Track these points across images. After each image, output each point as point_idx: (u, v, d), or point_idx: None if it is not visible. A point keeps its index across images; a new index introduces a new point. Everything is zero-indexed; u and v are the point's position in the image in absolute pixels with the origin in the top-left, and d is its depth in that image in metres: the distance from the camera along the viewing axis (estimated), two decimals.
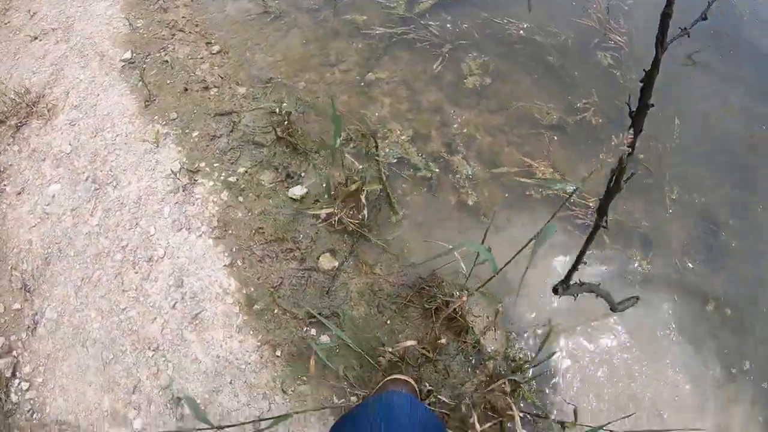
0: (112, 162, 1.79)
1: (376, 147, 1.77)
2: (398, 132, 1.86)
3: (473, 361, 1.54)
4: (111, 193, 1.75)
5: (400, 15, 2.12)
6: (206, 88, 1.88)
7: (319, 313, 1.53)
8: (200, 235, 1.64)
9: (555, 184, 1.73)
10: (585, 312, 1.62)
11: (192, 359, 1.53)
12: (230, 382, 1.50)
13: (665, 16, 0.67)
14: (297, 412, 1.10)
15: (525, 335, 1.59)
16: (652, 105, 0.78)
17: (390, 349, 1.49)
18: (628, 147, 0.83)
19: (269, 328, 1.54)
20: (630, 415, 1.29)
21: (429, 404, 1.45)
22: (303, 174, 1.73)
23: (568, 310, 1.60)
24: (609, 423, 1.16)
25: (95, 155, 1.82)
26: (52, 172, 1.83)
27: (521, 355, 1.56)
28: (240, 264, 1.61)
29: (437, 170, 1.78)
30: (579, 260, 1.10)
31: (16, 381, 1.64)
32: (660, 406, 1.51)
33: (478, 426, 1.38)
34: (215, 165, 1.74)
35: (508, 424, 1.45)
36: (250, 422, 1.23)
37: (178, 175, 1.71)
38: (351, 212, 1.65)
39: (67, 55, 2.05)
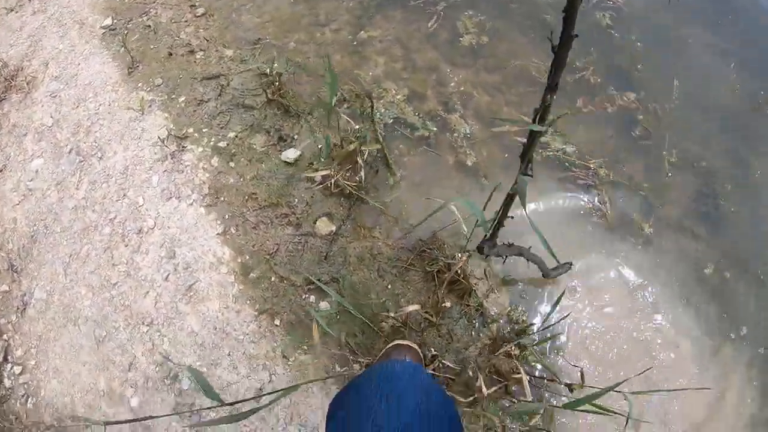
0: (96, 132, 1.70)
1: (372, 107, 1.67)
2: (393, 91, 1.76)
3: (476, 325, 1.47)
4: (96, 164, 1.66)
5: None
6: (192, 52, 1.78)
7: (318, 279, 1.45)
8: (191, 204, 1.56)
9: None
10: (586, 274, 1.55)
11: (188, 332, 1.46)
12: (228, 354, 1.43)
13: None
14: (302, 383, 1.02)
15: (527, 297, 1.52)
16: (576, 35, 0.69)
17: (392, 315, 1.41)
18: (553, 84, 0.73)
19: (266, 296, 1.47)
20: (642, 373, 1.22)
21: (434, 369, 1.39)
22: (296, 136, 1.64)
23: (570, 273, 1.53)
24: (622, 382, 1.09)
25: (78, 126, 1.73)
26: (34, 147, 1.75)
27: (524, 318, 1.49)
28: (233, 231, 1.52)
29: (435, 129, 1.69)
30: (503, 216, 1.00)
31: (9, 365, 1.58)
32: (661, 369, 1.46)
33: (485, 390, 1.31)
34: (204, 130, 1.65)
35: (513, 387, 1.40)
36: (254, 398, 1.15)
37: (165, 142, 1.62)
38: (347, 174, 1.57)
39: (44, 25, 1.96)
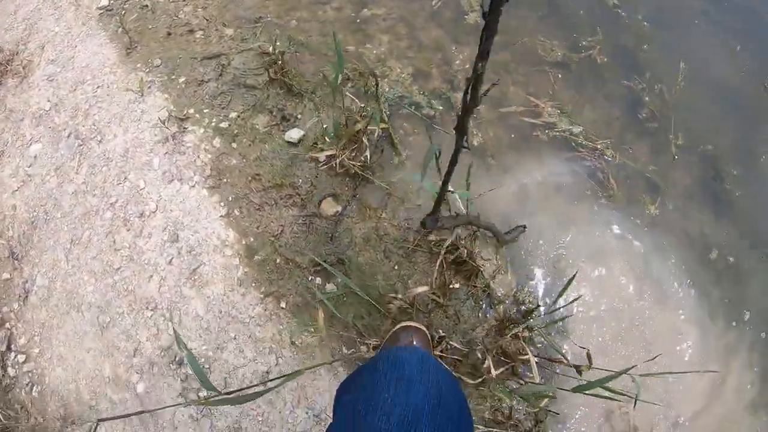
0: (94, 115, 1.66)
1: (377, 86, 1.63)
2: (398, 70, 1.71)
3: (483, 306, 1.44)
4: (96, 148, 1.63)
5: None
6: (191, 32, 1.74)
7: (324, 261, 1.41)
8: (193, 186, 1.52)
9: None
10: (593, 255, 1.52)
11: (193, 316, 1.43)
12: (234, 338, 1.40)
13: None
14: (307, 368, 1.00)
15: (534, 278, 1.49)
16: (507, 0, 0.64)
17: (400, 296, 1.38)
18: (484, 52, 0.68)
19: (272, 279, 1.43)
20: (653, 359, 1.19)
21: (441, 351, 1.36)
22: (299, 116, 1.59)
23: (576, 254, 1.49)
24: (633, 367, 1.06)
25: (76, 110, 1.69)
26: (32, 132, 1.71)
27: (531, 299, 1.46)
28: (237, 213, 1.49)
29: (440, 108, 1.65)
30: (444, 189, 0.96)
31: (12, 354, 1.55)
32: (665, 351, 1.43)
33: (493, 371, 1.28)
34: (205, 111, 1.61)
35: (520, 368, 1.37)
36: (257, 385, 1.12)
37: (166, 123, 1.58)
38: (352, 154, 1.52)
39: (39, 7, 1.91)
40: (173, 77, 1.68)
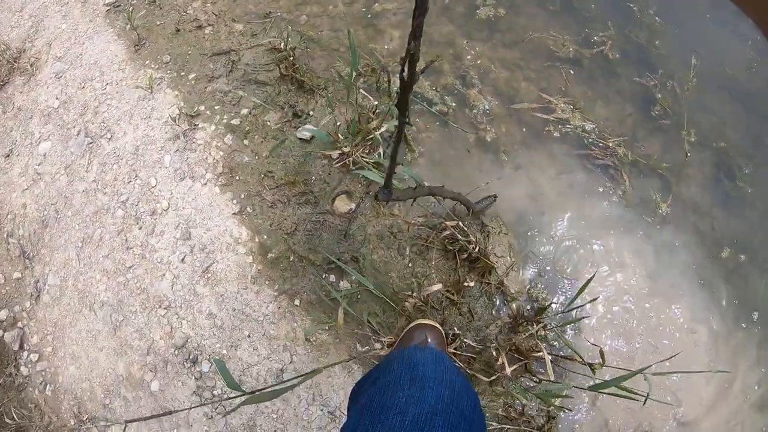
0: (104, 113, 1.65)
1: (389, 82, 1.62)
2: (436, 64, 1.70)
3: (497, 303, 1.44)
4: (106, 145, 1.62)
5: None
6: (200, 27, 1.72)
7: (338, 259, 1.41)
8: (205, 183, 1.51)
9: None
10: (605, 253, 1.51)
11: (206, 314, 1.42)
12: (248, 336, 1.40)
13: None
14: (323, 367, 1.00)
15: (547, 275, 1.49)
16: None
17: (415, 294, 1.38)
18: (416, 29, 0.67)
19: (285, 276, 1.43)
20: (669, 358, 1.19)
21: (455, 348, 1.36)
22: (311, 113, 1.58)
23: (588, 251, 1.49)
24: (648, 366, 1.06)
25: (85, 107, 1.68)
26: (41, 130, 1.70)
27: (544, 295, 1.46)
28: (250, 211, 1.48)
29: (453, 105, 1.64)
30: (393, 163, 0.97)
31: (25, 353, 1.55)
32: (676, 349, 1.43)
33: (508, 369, 1.29)
34: (216, 108, 1.60)
35: (533, 365, 1.37)
36: (277, 385, 1.12)
37: (176, 121, 1.57)
38: (366, 151, 1.52)
39: (46, 4, 1.89)
40: (183, 74, 1.66)
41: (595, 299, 1.34)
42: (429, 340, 1.28)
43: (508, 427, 1.34)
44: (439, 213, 1.51)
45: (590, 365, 1.32)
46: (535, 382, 1.37)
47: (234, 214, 1.48)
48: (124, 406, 1.42)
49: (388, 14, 1.79)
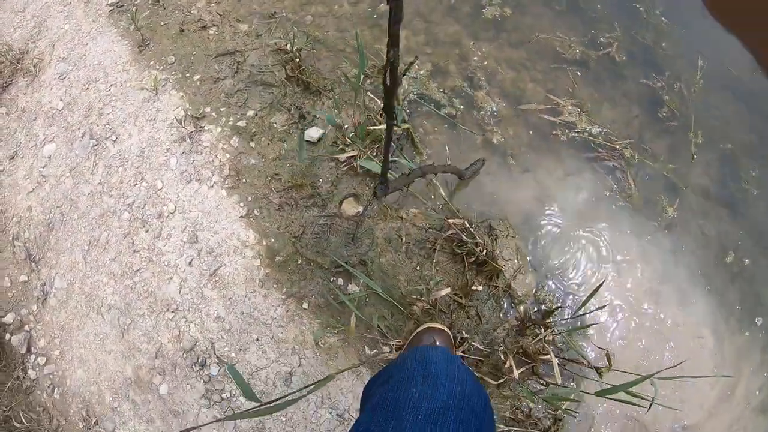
0: (108, 114, 1.64)
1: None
2: (417, 67, 1.69)
3: (504, 306, 1.44)
4: (111, 148, 1.61)
5: None
6: (204, 28, 1.71)
7: (346, 262, 1.41)
8: (212, 186, 1.51)
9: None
10: (612, 258, 1.51)
11: (215, 318, 1.42)
12: (257, 339, 1.40)
13: None
14: (335, 373, 1.00)
15: (553, 279, 1.49)
16: None
17: (424, 298, 1.38)
18: (394, 40, 0.67)
19: (293, 279, 1.43)
20: (675, 366, 1.19)
21: (463, 351, 1.36)
22: (317, 115, 1.58)
23: (595, 254, 1.50)
24: (657, 372, 1.06)
25: (90, 109, 1.67)
26: (46, 132, 1.69)
27: (551, 298, 1.46)
28: (257, 214, 1.48)
29: (461, 107, 1.63)
30: (386, 160, 1.00)
31: (32, 356, 1.55)
32: (680, 353, 1.45)
33: (515, 372, 1.29)
34: (222, 109, 1.59)
35: (540, 368, 1.38)
36: (291, 394, 1.12)
37: (182, 123, 1.57)
38: (374, 154, 1.51)
39: (48, 4, 1.87)
40: (188, 75, 1.65)
41: (603, 307, 1.34)
42: (438, 344, 1.29)
43: (516, 429, 1.35)
44: (445, 215, 1.51)
45: (597, 369, 1.33)
46: (543, 385, 1.37)
47: (241, 217, 1.48)
48: (133, 409, 1.43)
49: None
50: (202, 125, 1.57)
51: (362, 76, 1.24)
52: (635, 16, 1.81)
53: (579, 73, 1.67)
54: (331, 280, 1.43)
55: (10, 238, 1.65)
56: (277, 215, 1.47)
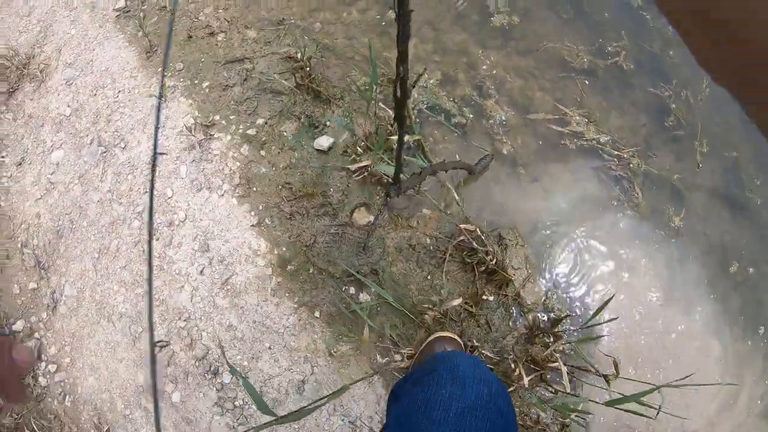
0: (117, 121, 1.64)
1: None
2: (426, 76, 1.69)
3: (513, 314, 1.46)
4: (120, 155, 1.61)
5: None
6: (212, 34, 1.70)
7: (357, 271, 1.42)
8: (222, 194, 1.51)
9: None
10: (618, 267, 1.53)
11: (227, 326, 1.43)
12: (269, 348, 1.41)
13: None
14: (354, 382, 1.02)
15: (561, 287, 1.51)
16: (412, 10, 0.65)
17: (436, 308, 1.39)
18: (403, 55, 0.70)
19: (305, 288, 1.44)
20: (686, 378, 1.22)
21: None
22: (328, 123, 1.58)
23: (602, 263, 1.51)
24: (666, 385, 1.09)
25: (98, 115, 1.66)
26: (53, 138, 1.69)
27: (559, 306, 1.48)
28: (269, 223, 1.48)
29: (471, 116, 1.64)
30: (398, 164, 1.04)
31: (43, 364, 1.56)
32: (685, 361, 1.47)
33: (525, 380, 1.31)
34: (231, 117, 1.59)
35: (548, 376, 1.40)
36: (312, 406, 1.13)
37: (192, 131, 1.56)
38: (386, 163, 1.52)
39: (54, 9, 1.86)
40: (196, 82, 1.65)
41: (614, 319, 1.36)
42: (465, 352, 1.31)
43: None
44: (455, 224, 1.52)
45: (605, 377, 1.35)
46: (552, 392, 1.39)
47: (252, 225, 1.48)
48: (145, 416, 1.44)
49: None
50: (212, 133, 1.57)
51: (374, 87, 1.24)
52: (642, 24, 1.82)
53: (587, 82, 1.68)
54: (343, 289, 1.44)
55: (19, 245, 1.65)
56: (289, 224, 1.48)
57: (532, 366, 1.41)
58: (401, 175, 1.10)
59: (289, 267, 1.45)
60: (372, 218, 1.48)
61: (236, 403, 1.40)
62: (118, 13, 1.80)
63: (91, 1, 1.84)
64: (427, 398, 0.77)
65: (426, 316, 1.39)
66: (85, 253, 1.57)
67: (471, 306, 1.41)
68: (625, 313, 1.48)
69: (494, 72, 1.68)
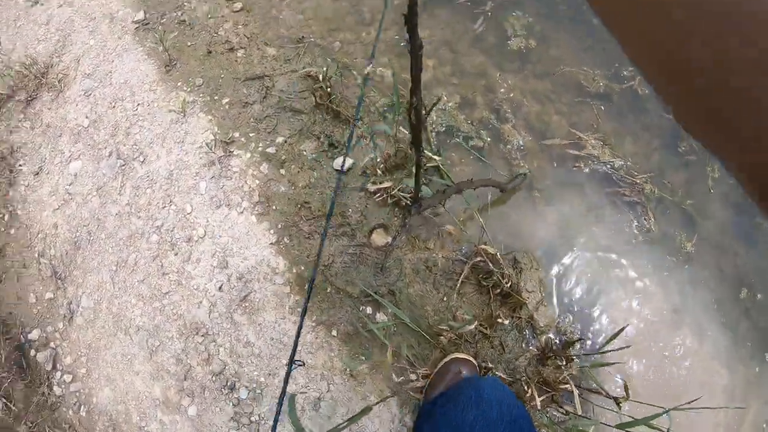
0: (136, 135, 1.65)
1: (427, 115, 1.63)
2: (445, 98, 1.71)
3: (527, 336, 1.49)
4: (138, 168, 1.62)
5: None
6: (232, 50, 1.71)
7: (375, 292, 1.44)
8: (242, 212, 1.53)
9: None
10: (630, 292, 1.56)
11: (244, 343, 1.45)
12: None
13: None
14: (377, 403, 1.04)
15: (575, 311, 1.54)
16: (422, 46, 0.70)
17: (452, 331, 1.42)
18: (416, 89, 0.76)
19: (323, 307, 1.46)
20: (694, 400, 1.25)
21: None
22: (347, 143, 1.60)
23: (614, 287, 1.54)
24: (675, 408, 1.12)
25: (116, 128, 1.67)
26: (71, 149, 1.69)
27: (571, 329, 1.51)
28: (287, 242, 1.50)
29: (488, 139, 1.66)
30: (417, 183, 1.09)
31: (58, 373, 1.57)
32: (692, 387, 1.49)
33: (537, 401, 1.34)
34: (251, 135, 1.60)
35: (559, 397, 1.43)
36: (344, 424, 1.16)
37: (212, 147, 1.58)
38: (404, 185, 1.54)
39: (72, 19, 1.86)
40: (216, 98, 1.66)
41: (627, 347, 1.39)
42: (464, 373, 1.34)
43: None
44: (472, 246, 1.54)
45: (615, 399, 1.38)
46: (563, 414, 1.42)
47: (271, 244, 1.50)
48: (161, 429, 1.46)
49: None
50: (231, 150, 1.58)
51: (398, 115, 1.26)
52: None
53: (602, 107, 1.71)
54: (360, 308, 1.46)
55: (36, 255, 1.66)
56: (307, 243, 1.50)
57: (543, 387, 1.44)
58: (425, 192, 1.14)
59: (307, 286, 1.47)
60: (390, 239, 1.50)
61: (252, 418, 1.42)
62: (137, 26, 1.80)
63: (110, 12, 1.85)
64: (456, 418, 0.85)
65: (442, 337, 1.41)
66: (102, 265, 1.58)
67: (486, 328, 1.44)
68: (636, 337, 1.51)
69: (511, 95, 1.70)
